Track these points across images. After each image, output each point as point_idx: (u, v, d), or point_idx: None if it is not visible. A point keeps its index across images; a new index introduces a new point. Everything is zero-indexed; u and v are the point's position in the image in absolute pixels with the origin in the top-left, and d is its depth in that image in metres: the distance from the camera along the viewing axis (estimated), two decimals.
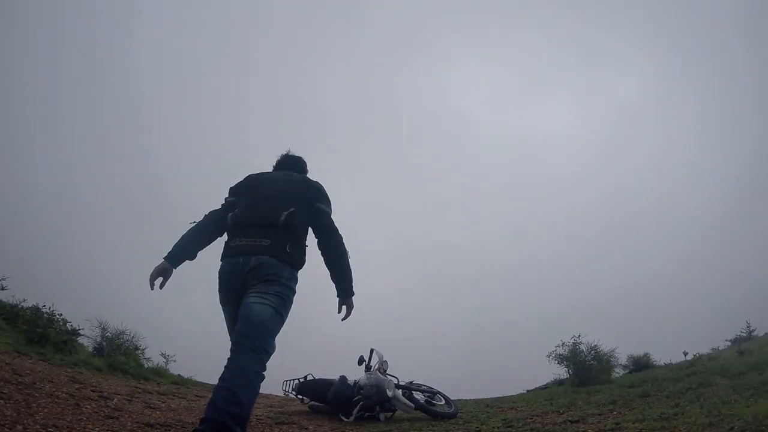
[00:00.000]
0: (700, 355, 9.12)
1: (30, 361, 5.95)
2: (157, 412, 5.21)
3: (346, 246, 2.83)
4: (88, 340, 7.88)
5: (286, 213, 2.68)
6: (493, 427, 4.77)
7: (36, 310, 7.32)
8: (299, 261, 2.75)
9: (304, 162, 3.28)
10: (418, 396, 5.86)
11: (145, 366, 8.14)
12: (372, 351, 5.94)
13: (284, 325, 2.67)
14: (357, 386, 5.87)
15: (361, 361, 5.90)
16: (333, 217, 2.84)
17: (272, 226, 2.65)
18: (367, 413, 5.87)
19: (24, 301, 7.51)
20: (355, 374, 6.14)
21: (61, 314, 7.50)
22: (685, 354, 9.19)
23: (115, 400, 5.29)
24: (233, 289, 2.67)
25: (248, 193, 2.89)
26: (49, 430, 3.56)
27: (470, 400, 7.76)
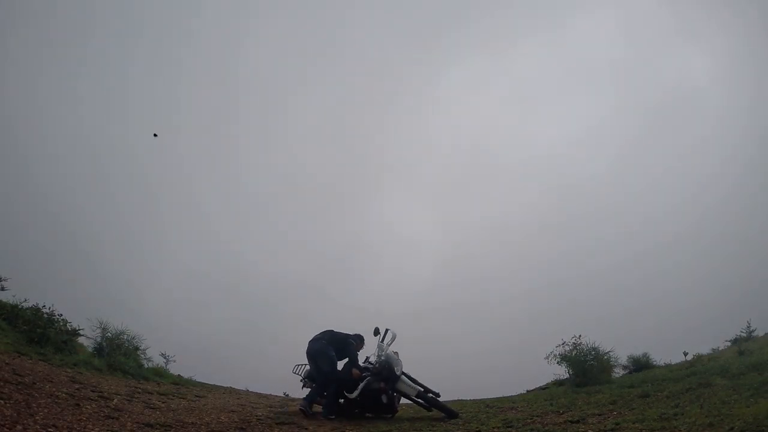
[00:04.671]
0: (700, 355, 9.10)
1: (30, 361, 5.96)
2: (157, 412, 5.22)
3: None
4: (88, 340, 7.84)
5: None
6: (493, 427, 4.78)
7: (36, 310, 7.29)
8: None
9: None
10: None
11: (145, 366, 8.12)
12: (387, 330, 6.06)
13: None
14: (367, 361, 6.11)
15: (376, 332, 6.03)
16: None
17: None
18: (367, 414, 5.92)
19: (24, 301, 7.47)
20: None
21: (61, 314, 7.46)
22: (685, 354, 9.16)
23: (115, 400, 5.29)
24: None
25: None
26: (49, 430, 3.57)
27: (470, 400, 7.75)
